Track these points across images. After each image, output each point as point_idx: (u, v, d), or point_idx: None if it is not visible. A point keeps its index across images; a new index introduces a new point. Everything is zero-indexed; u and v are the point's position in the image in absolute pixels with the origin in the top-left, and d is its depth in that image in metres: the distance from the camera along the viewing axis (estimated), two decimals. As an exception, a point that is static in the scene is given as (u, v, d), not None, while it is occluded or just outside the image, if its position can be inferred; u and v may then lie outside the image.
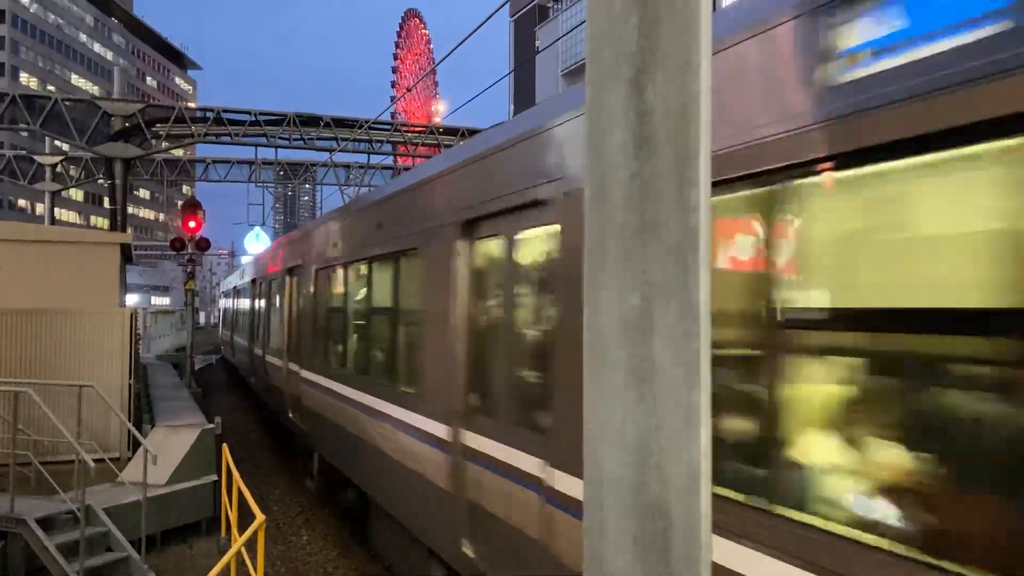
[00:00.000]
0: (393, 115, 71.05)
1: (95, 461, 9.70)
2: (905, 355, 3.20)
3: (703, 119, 1.38)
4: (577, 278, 4.70)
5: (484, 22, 10.49)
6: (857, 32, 3.16)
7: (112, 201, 33.22)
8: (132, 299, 54.39)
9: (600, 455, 1.42)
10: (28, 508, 9.62)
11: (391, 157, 44.28)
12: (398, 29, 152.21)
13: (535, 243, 5.80)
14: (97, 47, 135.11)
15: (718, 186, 3.48)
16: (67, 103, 32.70)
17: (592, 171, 1.45)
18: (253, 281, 23.00)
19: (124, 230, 31.11)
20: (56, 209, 43.56)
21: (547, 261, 5.56)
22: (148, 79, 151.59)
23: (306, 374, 13.36)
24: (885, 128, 2.99)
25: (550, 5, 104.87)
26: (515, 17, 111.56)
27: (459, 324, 6.97)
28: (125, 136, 32.27)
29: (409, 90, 24.93)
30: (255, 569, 7.63)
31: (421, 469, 7.74)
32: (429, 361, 7.73)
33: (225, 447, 11.50)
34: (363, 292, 10.65)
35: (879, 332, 3.32)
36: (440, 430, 7.23)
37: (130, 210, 40.70)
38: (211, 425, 13.31)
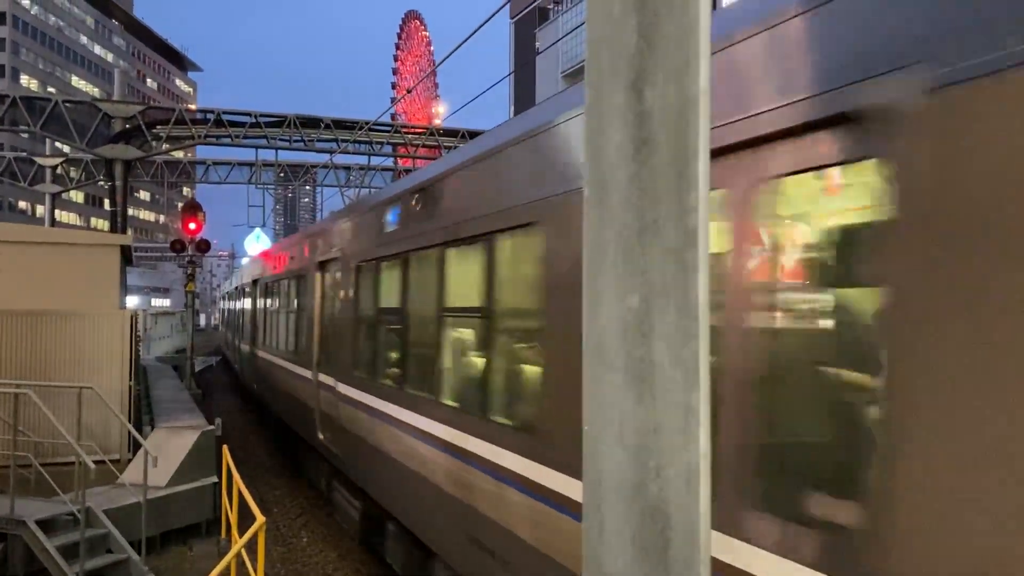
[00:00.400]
0: (393, 116, 70.98)
1: (95, 463, 9.70)
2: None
3: (702, 120, 1.38)
4: (346, 291, 11.07)
5: (484, 23, 10.50)
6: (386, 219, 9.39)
7: (112, 203, 33.26)
8: (132, 301, 54.39)
9: (599, 456, 1.42)
10: (28, 510, 9.61)
11: (391, 159, 44.27)
12: (398, 31, 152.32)
13: (338, 276, 11.67)
14: (97, 49, 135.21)
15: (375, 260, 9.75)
16: (67, 105, 32.72)
17: (591, 172, 1.45)
18: (236, 288, 30.89)
19: (124, 232, 31.12)
20: (56, 211, 43.61)
21: (343, 284, 11.34)
22: (148, 81, 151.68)
23: (258, 352, 20.48)
24: (390, 248, 9.04)
25: (550, 7, 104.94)
26: (515, 19, 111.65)
27: (315, 315, 12.89)
28: (125, 138, 32.29)
29: (409, 91, 24.92)
30: (255, 571, 7.63)
31: (300, 395, 13.83)
32: (303, 335, 13.99)
33: (225, 448, 11.49)
34: (281, 297, 17.29)
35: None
36: (308, 373, 13.06)
37: (130, 212, 40.71)
38: (211, 427, 13.30)
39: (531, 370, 5.72)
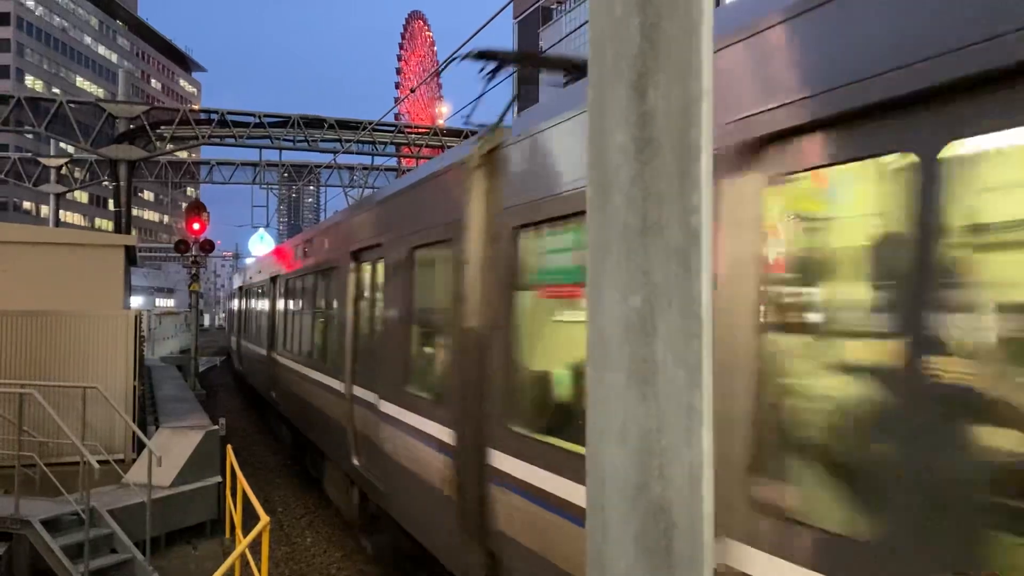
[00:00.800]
0: (397, 116, 70.96)
1: (100, 463, 9.70)
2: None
3: (704, 120, 1.38)
4: (283, 295, 17.82)
5: (487, 23, 10.51)
6: (299, 251, 16.36)
7: (116, 203, 33.30)
8: (136, 301, 54.44)
9: (602, 456, 1.42)
10: (33, 509, 9.64)
11: (395, 159, 44.29)
12: (402, 31, 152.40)
13: (280, 285, 17.72)
14: (102, 49, 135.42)
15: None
16: (72, 105, 32.79)
17: (593, 173, 1.45)
18: (232, 293, 38.56)
19: (128, 232, 31.15)
20: (61, 211, 43.68)
21: (282, 291, 17.51)
22: (153, 81, 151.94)
23: (242, 340, 26.85)
24: (299, 271, 15.87)
25: (553, 7, 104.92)
26: (519, 19, 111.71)
27: (270, 311, 18.99)
28: (130, 138, 32.34)
29: (413, 91, 25.04)
30: (259, 571, 7.65)
31: (263, 367, 19.55)
32: (264, 326, 19.67)
33: (229, 449, 11.52)
34: (256, 300, 23.41)
35: None
36: (264, 349, 19.14)
37: (134, 212, 40.79)
38: (215, 426, 13.31)
39: (329, 336, 12.07)
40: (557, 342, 5.50)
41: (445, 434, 6.58)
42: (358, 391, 9.71)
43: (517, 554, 5.39)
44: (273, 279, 18.90)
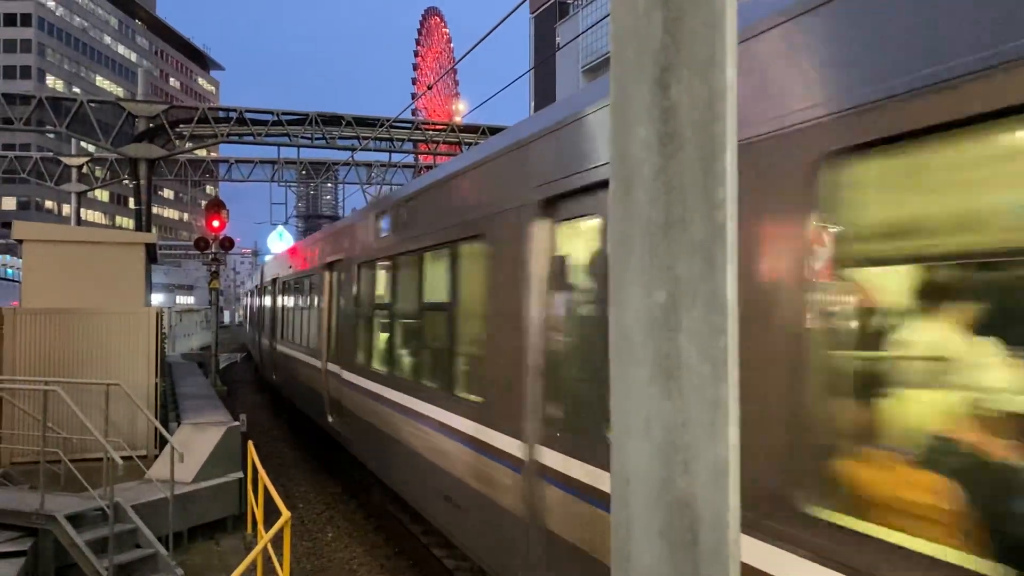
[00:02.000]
0: (414, 112, 70.98)
1: (123, 459, 9.79)
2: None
3: (728, 115, 1.37)
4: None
5: (504, 19, 10.50)
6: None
7: (137, 201, 33.55)
8: (157, 298, 54.87)
9: (626, 451, 1.42)
10: (58, 505, 9.75)
11: (412, 155, 44.35)
12: (418, 27, 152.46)
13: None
14: (121, 49, 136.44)
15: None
16: (92, 105, 33.07)
17: (616, 168, 1.45)
18: (247, 293, 45.47)
19: (149, 230, 31.43)
20: (82, 210, 44.09)
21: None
22: (171, 80, 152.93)
23: (254, 331, 32.92)
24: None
25: (571, 2, 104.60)
26: (535, 14, 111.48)
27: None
28: (149, 137, 32.58)
29: (430, 87, 25.01)
30: (281, 566, 7.70)
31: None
32: (255, 318, 31.53)
33: (251, 444, 11.59)
34: (273, 297, 25.25)
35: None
36: (270, 342, 24.44)
37: (155, 210, 41.08)
38: (236, 423, 13.41)
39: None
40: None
41: None
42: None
43: None
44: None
